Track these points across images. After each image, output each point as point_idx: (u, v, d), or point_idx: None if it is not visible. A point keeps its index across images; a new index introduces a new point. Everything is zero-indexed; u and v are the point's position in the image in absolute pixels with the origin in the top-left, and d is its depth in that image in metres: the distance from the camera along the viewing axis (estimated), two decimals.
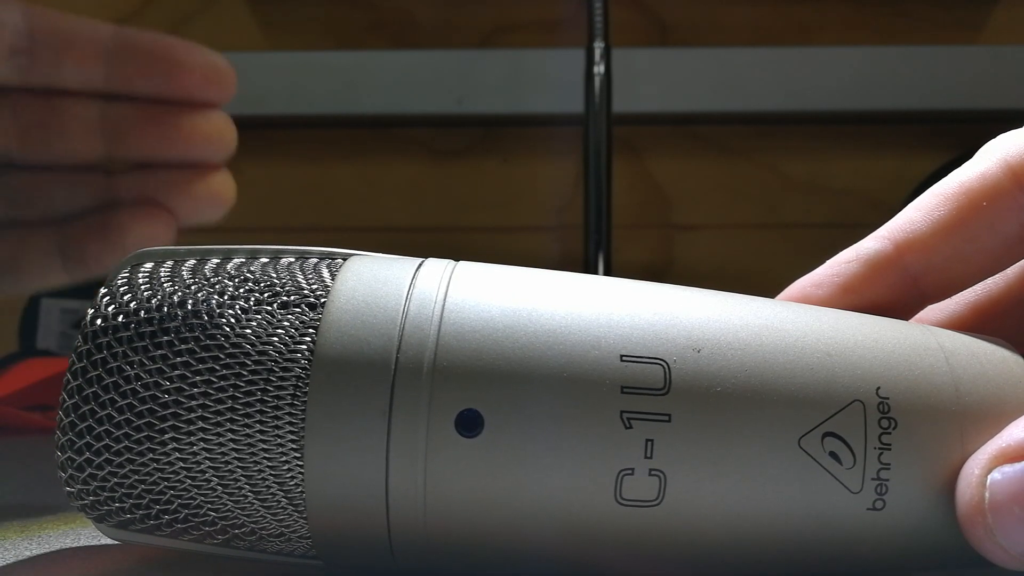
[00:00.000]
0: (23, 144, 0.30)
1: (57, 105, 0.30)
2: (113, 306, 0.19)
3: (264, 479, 0.18)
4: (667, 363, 0.18)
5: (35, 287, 0.32)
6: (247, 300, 0.19)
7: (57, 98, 0.30)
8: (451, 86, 0.77)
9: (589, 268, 0.63)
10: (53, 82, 0.30)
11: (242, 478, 0.18)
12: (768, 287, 0.24)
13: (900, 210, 0.22)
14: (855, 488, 0.18)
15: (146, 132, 0.31)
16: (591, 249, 0.63)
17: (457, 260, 0.20)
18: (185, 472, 0.18)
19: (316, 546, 0.19)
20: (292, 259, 0.21)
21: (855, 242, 0.23)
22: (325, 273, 0.20)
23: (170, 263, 0.20)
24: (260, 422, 0.18)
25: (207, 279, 0.19)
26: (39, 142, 0.30)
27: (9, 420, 0.47)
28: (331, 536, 0.19)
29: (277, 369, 0.18)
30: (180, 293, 0.19)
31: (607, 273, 0.62)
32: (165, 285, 0.19)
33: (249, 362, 0.18)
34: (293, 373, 0.18)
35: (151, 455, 0.18)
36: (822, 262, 0.23)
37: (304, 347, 0.18)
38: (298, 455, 0.18)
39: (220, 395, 0.18)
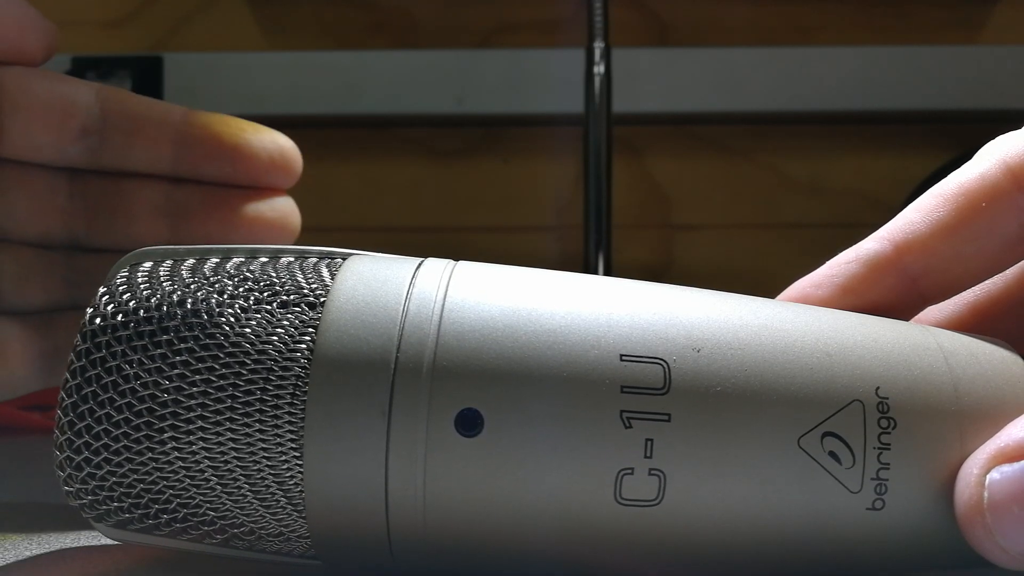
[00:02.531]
0: (89, 225, 0.30)
1: (124, 187, 0.31)
2: (112, 305, 0.19)
3: (263, 479, 0.18)
4: (667, 363, 0.18)
5: None
6: (246, 299, 0.19)
7: (124, 180, 0.31)
8: (451, 86, 0.77)
9: (589, 268, 0.63)
10: (122, 164, 0.30)
11: (241, 477, 0.18)
12: (768, 287, 0.24)
13: (900, 210, 0.22)
14: (854, 488, 0.18)
15: (210, 216, 0.31)
16: (591, 249, 0.63)
17: (457, 260, 0.20)
18: (184, 472, 0.18)
19: (315, 546, 0.19)
20: (291, 258, 0.21)
21: (855, 242, 0.23)
22: (325, 272, 0.20)
23: (169, 262, 0.20)
24: (259, 421, 0.18)
25: (206, 278, 0.19)
26: (105, 223, 0.31)
27: (9, 420, 0.47)
28: (330, 536, 0.19)
29: (277, 368, 0.18)
30: (179, 292, 0.19)
31: (607, 273, 0.62)
32: (164, 284, 0.19)
33: (248, 361, 0.18)
34: (293, 372, 0.18)
35: (150, 455, 0.18)
36: (822, 262, 0.23)
37: (304, 346, 0.18)
38: (297, 455, 0.18)
39: (219, 394, 0.18)
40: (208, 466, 0.18)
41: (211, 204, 0.31)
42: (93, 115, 0.29)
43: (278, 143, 0.31)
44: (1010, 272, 0.23)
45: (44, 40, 0.29)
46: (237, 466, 0.18)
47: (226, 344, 0.18)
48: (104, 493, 0.19)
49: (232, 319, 0.18)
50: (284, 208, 0.31)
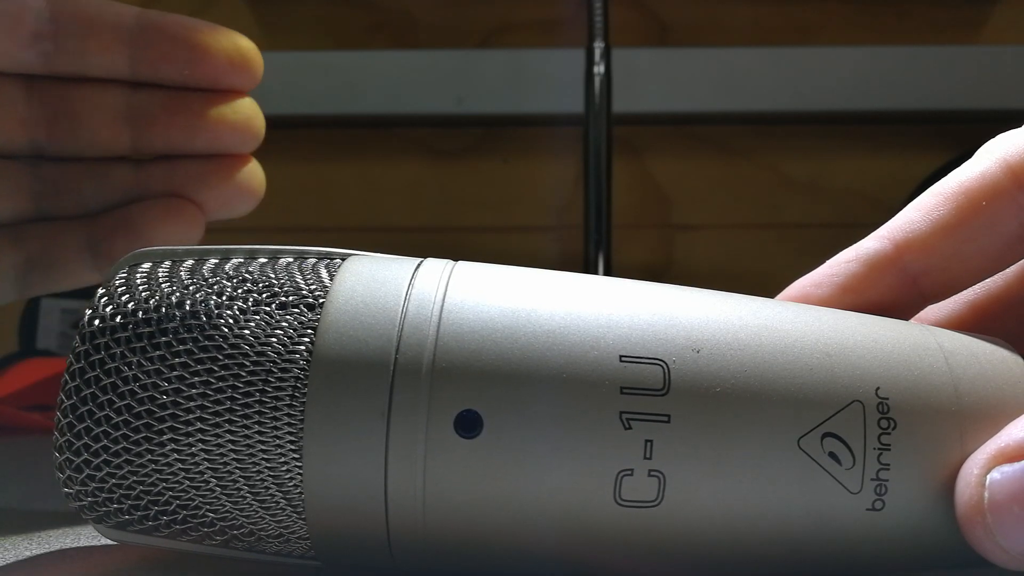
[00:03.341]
0: (50, 133, 0.30)
1: (83, 93, 0.30)
2: (111, 307, 0.19)
3: (263, 480, 0.18)
4: (666, 363, 0.18)
5: (67, 285, 0.31)
6: (245, 301, 0.19)
7: (82, 85, 0.30)
8: (451, 86, 0.77)
9: (589, 268, 0.63)
10: (78, 69, 0.30)
11: (241, 479, 0.18)
12: (768, 287, 0.24)
13: (900, 210, 0.22)
14: (854, 488, 0.18)
15: (172, 121, 0.30)
16: (591, 249, 0.63)
17: (456, 260, 0.20)
18: (184, 473, 0.18)
19: (315, 547, 0.19)
20: (290, 259, 0.20)
21: (855, 242, 0.23)
22: (323, 273, 0.20)
23: (168, 263, 0.20)
24: (259, 423, 0.18)
25: (205, 280, 0.19)
26: (66, 131, 0.30)
27: (9, 420, 0.47)
28: (330, 537, 0.18)
29: (276, 370, 0.18)
30: (178, 294, 0.19)
31: (607, 273, 0.62)
32: (163, 286, 0.19)
33: (247, 363, 0.18)
34: (292, 374, 0.18)
35: (149, 456, 0.18)
36: (822, 262, 0.23)
37: (303, 348, 0.18)
38: (296, 456, 0.18)
39: (218, 396, 0.18)
40: (207, 467, 0.18)
41: (172, 108, 0.30)
42: (43, 19, 0.29)
43: (236, 43, 0.31)
44: (1010, 271, 0.23)
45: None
46: (236, 467, 0.18)
47: (225, 346, 0.18)
48: (104, 494, 0.19)
49: (231, 320, 0.18)
50: (247, 109, 0.31)
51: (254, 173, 0.32)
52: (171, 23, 0.30)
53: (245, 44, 0.31)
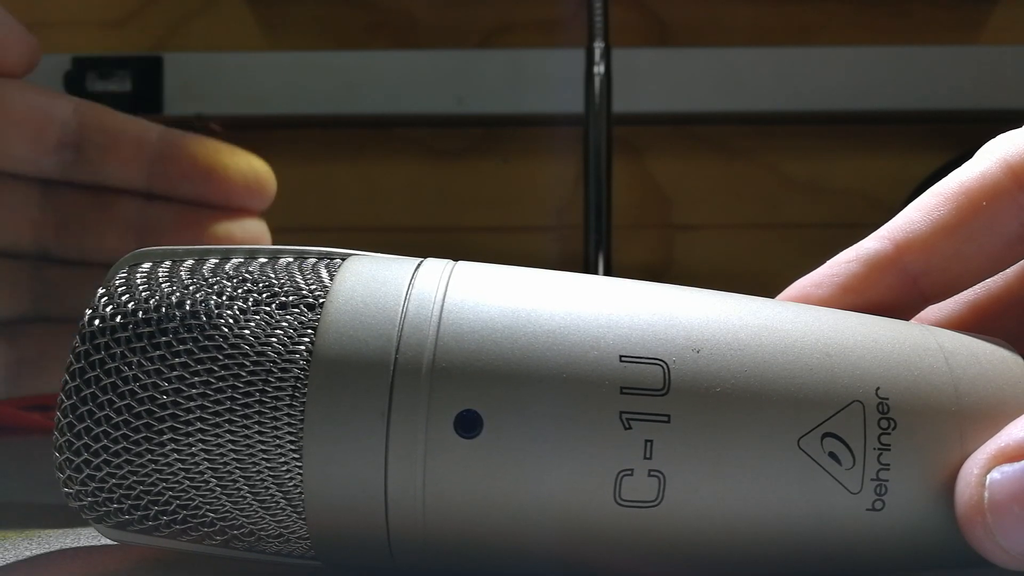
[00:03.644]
0: (59, 238, 0.30)
1: (97, 202, 0.30)
2: (111, 306, 0.19)
3: (263, 480, 0.18)
4: (666, 363, 0.18)
5: (58, 387, 0.32)
6: (245, 301, 0.19)
7: (98, 194, 0.30)
8: (451, 86, 0.77)
9: (589, 268, 0.63)
10: (96, 179, 0.30)
11: (241, 479, 0.18)
12: (768, 287, 0.24)
13: (900, 210, 0.22)
14: (854, 489, 0.18)
15: (181, 235, 0.31)
16: (591, 249, 0.63)
17: (456, 260, 0.20)
18: (184, 473, 0.18)
19: (315, 547, 0.19)
20: (290, 259, 0.20)
21: (855, 242, 0.23)
22: (324, 273, 0.20)
23: (168, 263, 0.20)
24: (259, 423, 0.18)
25: (205, 279, 0.19)
26: (74, 237, 0.31)
27: (9, 420, 0.47)
28: (330, 537, 0.18)
29: (276, 370, 0.18)
30: (178, 293, 0.19)
31: (607, 273, 0.62)
32: (163, 285, 0.19)
33: (247, 363, 0.18)
34: (292, 374, 0.18)
35: (149, 456, 0.18)
36: (822, 262, 0.23)
37: (303, 348, 0.18)
38: (296, 456, 0.18)
39: (218, 396, 0.18)
40: (207, 468, 0.18)
41: (183, 223, 0.31)
42: (70, 129, 0.29)
43: (253, 167, 0.31)
44: (1011, 271, 0.23)
45: (26, 53, 0.29)
46: (236, 468, 0.18)
47: (225, 345, 0.18)
48: (104, 494, 0.19)
49: (231, 320, 0.18)
50: (255, 231, 0.32)
51: None
52: (192, 143, 0.31)
53: (260, 167, 0.32)
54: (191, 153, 0.31)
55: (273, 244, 0.21)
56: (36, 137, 0.29)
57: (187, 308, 0.19)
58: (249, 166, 0.31)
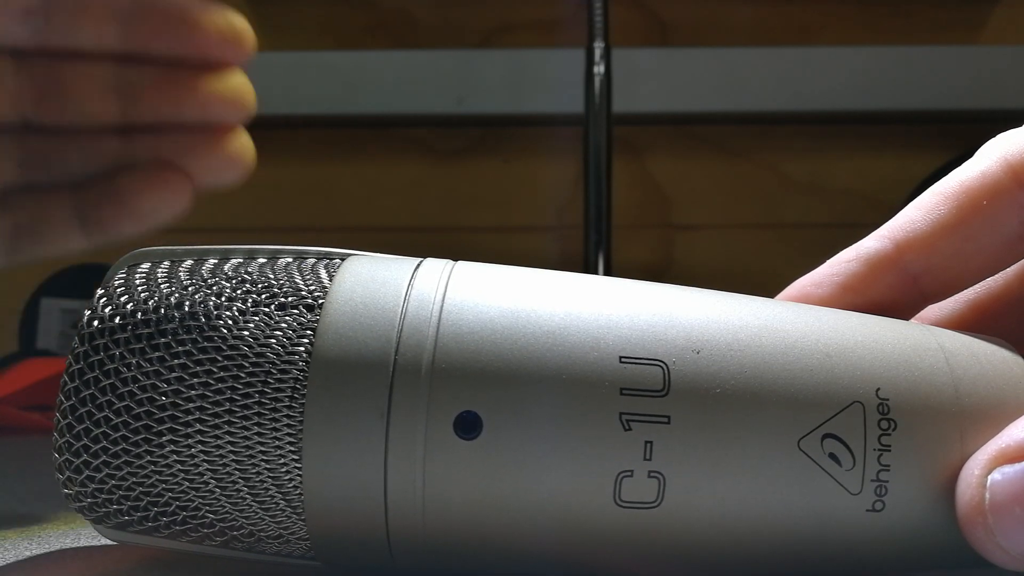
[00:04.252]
0: (39, 107, 0.30)
1: (72, 67, 0.30)
2: (110, 307, 0.19)
3: (262, 481, 0.18)
4: (666, 364, 0.18)
5: (56, 253, 0.31)
6: (244, 301, 0.19)
7: (72, 60, 0.30)
8: (451, 86, 0.77)
9: (589, 268, 0.63)
10: (68, 44, 0.30)
11: (240, 480, 0.18)
12: (768, 287, 0.23)
13: (900, 210, 0.22)
14: (855, 489, 0.18)
15: (162, 93, 0.31)
16: (591, 249, 0.63)
17: (456, 260, 0.20)
18: (183, 474, 0.18)
19: (314, 547, 0.19)
20: (290, 259, 0.20)
21: (855, 242, 0.23)
22: (323, 274, 0.20)
23: (167, 264, 0.20)
24: (258, 424, 0.18)
25: (204, 280, 0.19)
26: (55, 104, 0.30)
27: (9, 420, 0.47)
28: (329, 538, 0.18)
29: (275, 371, 0.18)
30: (177, 294, 0.19)
31: (607, 273, 0.62)
32: (162, 286, 0.19)
33: (247, 364, 0.18)
34: (291, 375, 0.18)
35: (149, 457, 0.18)
36: (822, 262, 0.23)
37: (302, 348, 0.18)
38: (296, 457, 0.18)
39: (218, 397, 0.18)
40: (207, 469, 0.18)
41: (162, 81, 0.31)
42: None
43: (228, 19, 0.31)
44: (1011, 270, 0.23)
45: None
46: (236, 469, 0.18)
47: (224, 346, 0.18)
48: (103, 495, 0.19)
49: (230, 321, 0.18)
50: (237, 83, 0.31)
51: (243, 143, 0.32)
52: (162, 0, 0.30)
53: (236, 19, 0.31)
54: (163, 10, 0.30)
55: (272, 244, 0.21)
56: (3, 5, 0.29)
57: (186, 309, 0.19)
58: (224, 18, 0.31)
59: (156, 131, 0.31)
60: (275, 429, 0.18)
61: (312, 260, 0.20)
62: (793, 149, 0.81)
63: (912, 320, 0.22)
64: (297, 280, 0.19)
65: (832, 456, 0.18)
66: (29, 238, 0.31)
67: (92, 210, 0.31)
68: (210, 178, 0.31)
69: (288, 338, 0.18)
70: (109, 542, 0.21)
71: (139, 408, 0.18)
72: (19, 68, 0.30)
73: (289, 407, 0.18)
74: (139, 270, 0.20)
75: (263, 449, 0.18)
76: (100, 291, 0.20)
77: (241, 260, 0.20)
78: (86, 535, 0.24)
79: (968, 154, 0.22)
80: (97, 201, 0.31)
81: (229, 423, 0.18)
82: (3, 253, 0.30)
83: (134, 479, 0.18)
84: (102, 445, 0.18)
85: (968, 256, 0.22)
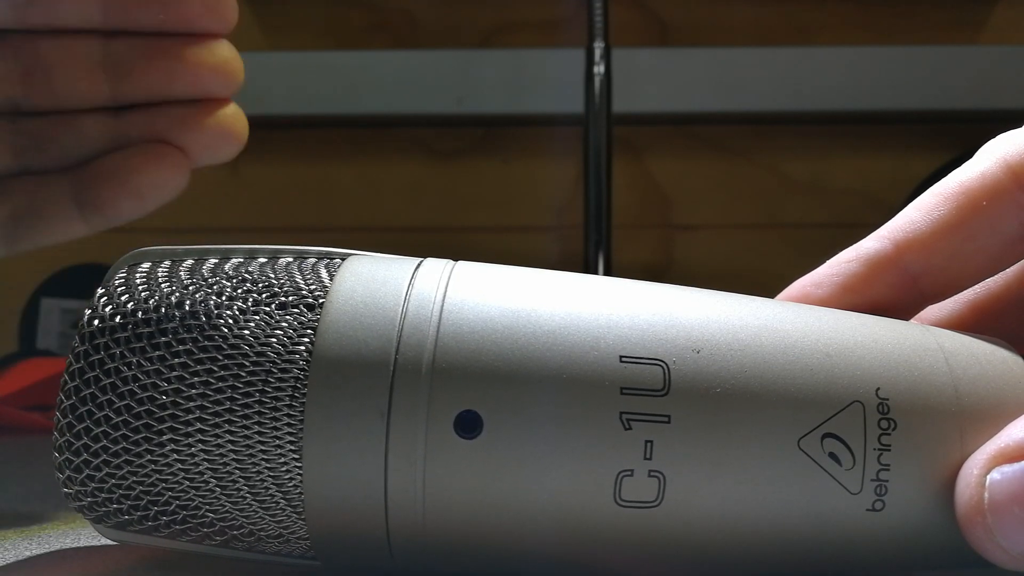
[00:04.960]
0: (27, 88, 0.30)
1: (57, 45, 0.30)
2: (110, 307, 0.19)
3: (262, 480, 0.18)
4: (666, 364, 0.18)
5: (57, 238, 0.31)
6: (245, 301, 0.19)
7: (56, 37, 0.30)
8: (451, 86, 0.77)
9: (589, 268, 0.63)
10: (52, 22, 0.30)
11: (240, 479, 0.18)
12: (768, 287, 0.24)
13: (900, 210, 0.22)
14: (854, 489, 0.18)
15: (150, 67, 0.30)
16: (591, 249, 0.63)
17: (456, 260, 0.20)
18: (183, 474, 0.18)
19: (315, 547, 0.19)
20: (290, 259, 0.20)
21: (855, 242, 0.23)
22: (323, 273, 0.20)
23: (167, 263, 0.20)
24: (258, 423, 0.18)
25: (205, 280, 0.19)
26: (43, 85, 0.30)
27: (9, 420, 0.47)
28: (330, 537, 0.18)
29: (275, 370, 0.18)
30: (178, 294, 0.19)
31: (607, 273, 0.62)
32: (162, 285, 0.19)
33: (247, 363, 0.18)
34: (291, 374, 0.18)
35: (149, 456, 0.18)
36: (822, 262, 0.23)
37: (302, 348, 0.18)
38: (296, 456, 0.18)
39: (218, 396, 0.18)
40: (207, 468, 0.18)
41: (149, 55, 0.30)
42: None
43: None
44: (1011, 271, 0.23)
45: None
46: (236, 468, 0.18)
47: (224, 346, 0.18)
48: (103, 495, 0.19)
49: (231, 321, 0.18)
50: (224, 52, 0.31)
51: (236, 116, 0.32)
52: None
53: None
54: None
55: (272, 244, 0.21)
56: None
57: (187, 308, 0.19)
58: None
59: (148, 108, 0.31)
60: (275, 428, 0.18)
61: (313, 260, 0.20)
62: (793, 149, 0.81)
63: (912, 320, 0.22)
64: (298, 279, 0.19)
65: (832, 456, 0.18)
66: (28, 225, 0.31)
67: (89, 192, 0.30)
68: (205, 152, 0.31)
69: (289, 337, 0.18)
70: (109, 542, 0.21)
71: (139, 407, 0.18)
72: (2, 50, 0.30)
73: (289, 406, 0.18)
74: (139, 269, 0.20)
75: (263, 448, 0.18)
76: (100, 290, 0.20)
77: (242, 259, 0.20)
78: (86, 535, 0.24)
79: (968, 154, 0.22)
80: (94, 182, 0.31)
81: (229, 422, 0.18)
82: (3, 240, 0.30)
83: (134, 478, 0.18)
84: (102, 444, 0.18)
85: (968, 256, 0.22)
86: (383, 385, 0.18)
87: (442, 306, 0.18)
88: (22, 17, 0.29)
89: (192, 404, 0.18)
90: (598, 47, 0.63)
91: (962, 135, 0.78)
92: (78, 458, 0.18)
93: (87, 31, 0.30)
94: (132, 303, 0.19)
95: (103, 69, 0.30)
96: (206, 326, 0.18)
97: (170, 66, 0.30)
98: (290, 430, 0.18)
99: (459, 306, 0.18)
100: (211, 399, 0.18)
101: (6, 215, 0.30)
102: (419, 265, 0.20)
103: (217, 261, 0.20)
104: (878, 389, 0.19)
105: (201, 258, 0.20)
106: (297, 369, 0.18)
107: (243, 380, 0.18)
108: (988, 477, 0.18)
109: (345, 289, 0.19)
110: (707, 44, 0.81)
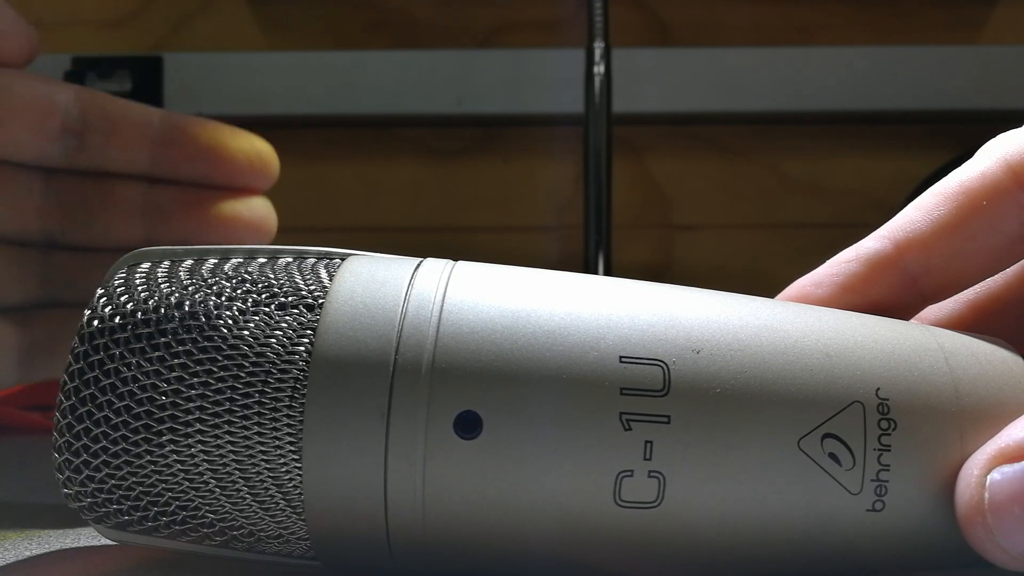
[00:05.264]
0: (65, 224, 0.31)
1: (102, 187, 0.31)
2: (110, 307, 0.19)
3: (262, 481, 0.18)
4: (666, 364, 0.18)
5: None
6: (244, 301, 0.19)
7: (102, 180, 0.31)
8: (451, 86, 0.77)
9: (589, 268, 0.63)
10: (100, 164, 0.30)
11: (240, 480, 0.18)
12: (768, 287, 0.23)
13: (900, 210, 0.22)
14: (854, 489, 0.18)
15: (187, 215, 0.31)
16: (591, 249, 0.63)
17: (456, 260, 0.20)
18: (183, 474, 0.18)
19: (314, 547, 0.19)
20: (290, 259, 0.20)
21: (855, 242, 0.23)
22: (323, 273, 0.20)
23: (167, 263, 0.20)
24: (258, 424, 0.18)
25: (204, 280, 0.19)
26: (82, 224, 0.31)
27: (9, 420, 0.47)
28: (329, 538, 0.18)
29: (275, 371, 0.18)
30: (177, 294, 0.19)
31: (607, 273, 0.62)
32: (162, 286, 0.19)
33: (247, 363, 0.18)
34: (291, 375, 0.18)
35: (149, 457, 0.18)
36: (822, 262, 0.23)
37: (302, 348, 0.18)
38: (296, 457, 0.18)
39: (218, 396, 0.18)
40: (207, 468, 0.18)
41: (188, 204, 0.31)
42: (72, 116, 0.30)
43: (255, 146, 0.31)
44: (1011, 270, 0.23)
45: (25, 44, 0.29)
46: (236, 468, 0.18)
47: (224, 346, 0.18)
48: (103, 495, 0.19)
49: (230, 321, 0.18)
50: (261, 209, 0.32)
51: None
52: (193, 124, 0.31)
53: (263, 146, 0.32)
54: (193, 134, 0.31)
55: (273, 244, 0.21)
56: (39, 125, 0.29)
57: (186, 309, 0.19)
58: (251, 145, 0.31)
59: None
60: (275, 429, 0.18)
61: (312, 260, 0.20)
62: (793, 149, 0.81)
63: (912, 320, 0.22)
64: (297, 280, 0.19)
65: (832, 456, 0.18)
66: (46, 356, 0.31)
67: None
68: None
69: (288, 338, 0.18)
70: (109, 542, 0.21)
71: (139, 408, 0.18)
72: (48, 185, 0.30)
73: (289, 407, 0.18)
74: (139, 270, 0.20)
75: (263, 449, 0.18)
76: (100, 291, 0.20)
77: (241, 260, 0.20)
78: (86, 535, 0.24)
79: (968, 154, 0.22)
80: None
81: (229, 423, 0.18)
82: (19, 369, 0.30)
83: (134, 479, 0.18)
84: (102, 445, 0.18)
85: (968, 256, 0.22)
86: (383, 385, 0.18)
87: (442, 306, 0.18)
88: (72, 158, 0.30)
89: (192, 404, 0.18)
90: (598, 47, 0.63)
91: (962, 135, 0.78)
92: (78, 458, 0.18)
93: (131, 175, 0.31)
94: (131, 303, 0.19)
95: (142, 213, 0.31)
96: (206, 326, 0.18)
97: (206, 217, 0.31)
98: (290, 430, 0.18)
99: (459, 306, 0.18)
100: (211, 399, 0.18)
101: (27, 345, 0.30)
102: (419, 265, 0.20)
103: (216, 261, 0.20)
104: (878, 389, 0.19)
105: (200, 258, 0.20)
106: (297, 369, 0.18)
107: (243, 380, 0.18)
108: (988, 477, 0.18)
109: (345, 289, 0.19)
110: (707, 44, 0.80)
